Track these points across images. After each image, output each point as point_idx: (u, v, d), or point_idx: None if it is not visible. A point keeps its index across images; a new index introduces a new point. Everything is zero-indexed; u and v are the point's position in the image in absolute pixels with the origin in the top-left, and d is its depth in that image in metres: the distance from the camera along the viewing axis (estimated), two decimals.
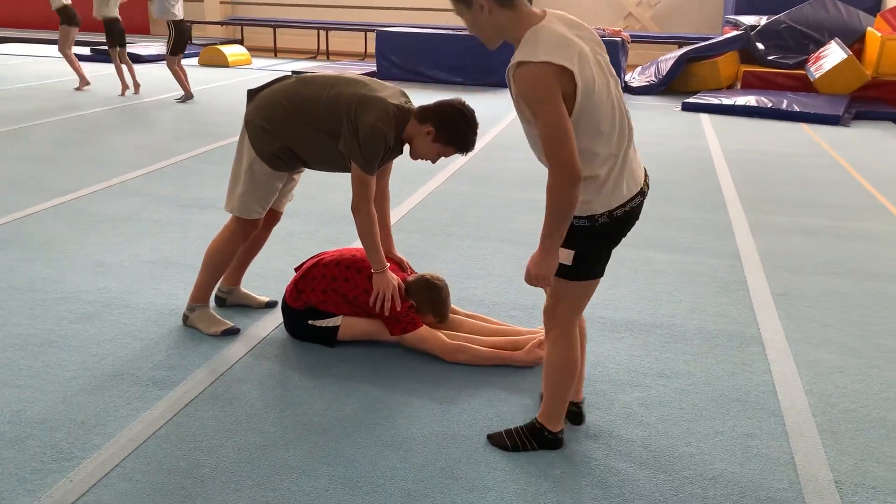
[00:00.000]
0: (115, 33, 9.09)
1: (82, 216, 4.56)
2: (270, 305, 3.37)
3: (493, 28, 2.04)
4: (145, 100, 9.08)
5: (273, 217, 3.25)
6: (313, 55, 15.15)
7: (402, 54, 11.32)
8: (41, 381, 2.72)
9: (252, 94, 2.99)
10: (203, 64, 12.75)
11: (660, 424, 2.56)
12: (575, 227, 2.10)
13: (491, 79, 11.05)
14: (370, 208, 2.84)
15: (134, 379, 2.75)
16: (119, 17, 9.17)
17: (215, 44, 13.55)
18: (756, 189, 5.69)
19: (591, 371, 2.91)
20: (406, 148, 2.93)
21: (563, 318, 2.28)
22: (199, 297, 3.15)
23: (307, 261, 3.11)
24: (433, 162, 2.93)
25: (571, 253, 2.15)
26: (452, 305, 3.14)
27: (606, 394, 2.76)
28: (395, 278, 2.93)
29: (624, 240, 4.35)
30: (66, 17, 9.17)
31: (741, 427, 2.56)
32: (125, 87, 9.28)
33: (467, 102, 2.85)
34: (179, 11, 8.59)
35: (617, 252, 4.14)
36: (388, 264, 2.96)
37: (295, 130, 2.85)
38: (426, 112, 2.82)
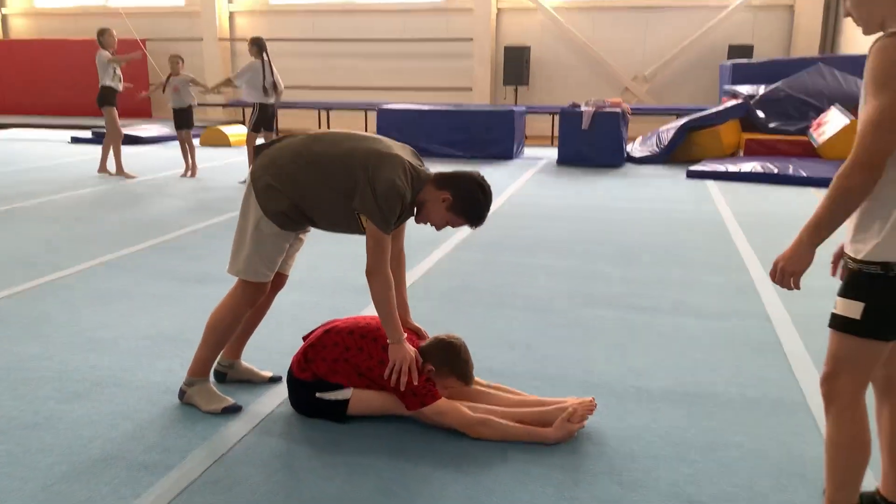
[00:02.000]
0: (185, 119, 9.15)
1: (75, 292, 4.34)
2: (275, 380, 3.12)
3: (877, 10, 1.81)
4: (147, 177, 8.99)
5: (279, 281, 3.03)
6: None
7: (402, 130, 11.34)
8: (20, 468, 2.44)
9: (259, 150, 2.82)
10: (205, 144, 12.77)
11: None
12: (865, 274, 1.84)
13: (490, 151, 11.04)
14: (387, 271, 2.63)
15: (124, 463, 2.47)
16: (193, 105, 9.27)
17: (217, 125, 13.63)
18: (774, 250, 5.43)
19: (631, 446, 2.64)
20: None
21: (846, 387, 1.91)
22: (198, 371, 2.89)
23: (317, 329, 2.88)
24: (438, 229, 2.78)
25: (861, 306, 1.84)
26: (476, 378, 2.88)
27: (650, 470, 2.47)
28: (412, 349, 2.70)
29: (650, 305, 4.19)
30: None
31: None
32: (188, 168, 9.14)
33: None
34: (271, 97, 8.50)
35: (646, 319, 3.97)
36: (405, 334, 2.73)
37: (305, 188, 2.67)
38: (445, 179, 2.71)
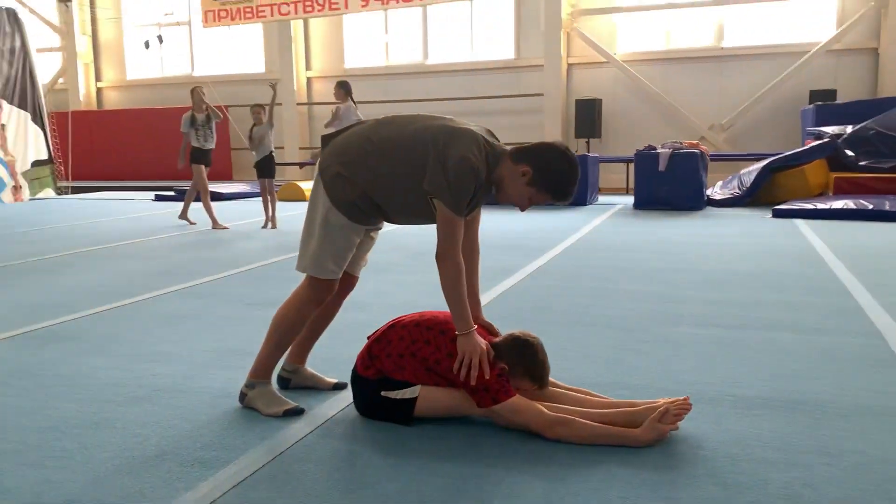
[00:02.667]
0: (267, 167, 9.10)
1: (146, 314, 4.32)
2: (339, 387, 2.94)
3: None
4: (233, 223, 9.12)
5: (348, 282, 2.88)
6: None
7: None
8: (73, 462, 2.32)
9: (327, 139, 2.72)
10: (282, 199, 13.00)
11: None
12: None
13: None
14: (459, 257, 2.45)
15: (178, 459, 2.33)
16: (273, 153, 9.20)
17: (294, 181, 13.95)
18: (878, 277, 5.06)
19: (731, 449, 2.33)
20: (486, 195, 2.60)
21: None
22: (260, 373, 2.75)
23: (382, 326, 2.71)
24: (523, 208, 2.57)
25: None
26: (551, 379, 2.64)
27: (756, 473, 2.17)
28: (482, 342, 2.49)
29: (740, 323, 3.87)
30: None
31: None
32: (268, 219, 9.01)
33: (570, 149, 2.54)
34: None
35: (737, 335, 3.65)
36: (475, 326, 2.53)
37: (374, 175, 2.54)
38: (523, 152, 2.52)
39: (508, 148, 2.56)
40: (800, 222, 8.35)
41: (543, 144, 2.51)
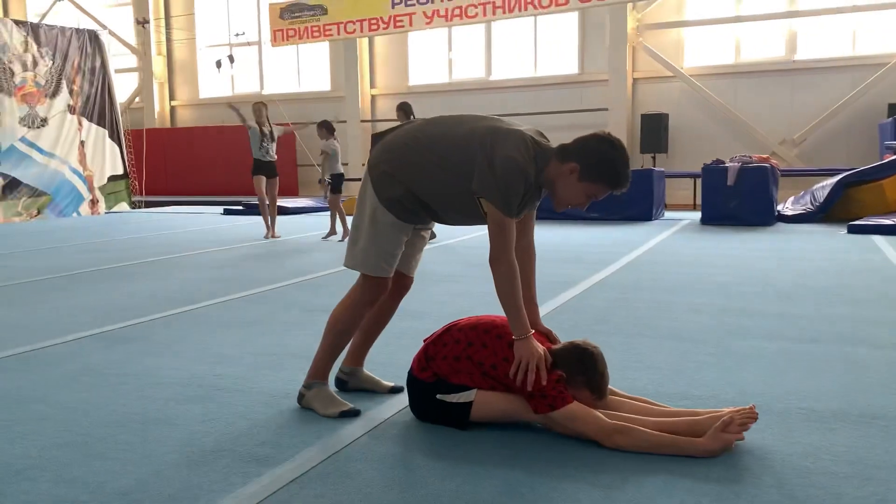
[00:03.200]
0: (339, 184, 9.30)
1: (210, 319, 4.42)
2: (396, 391, 2.93)
3: None
4: (291, 237, 9.28)
5: (402, 283, 2.88)
6: None
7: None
8: (135, 455, 2.38)
9: (377, 138, 2.74)
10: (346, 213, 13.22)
11: None
12: None
13: (628, 213, 10.63)
14: (512, 258, 2.42)
15: (235, 455, 2.35)
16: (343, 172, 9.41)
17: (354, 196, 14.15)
18: None
19: (801, 462, 2.23)
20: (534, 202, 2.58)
21: None
22: (317, 374, 2.77)
23: (438, 329, 2.69)
24: (583, 207, 2.52)
25: None
26: (610, 387, 2.57)
27: (829, 487, 2.06)
28: (540, 347, 2.44)
29: (813, 336, 3.72)
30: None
31: None
32: (332, 231, 9.30)
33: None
34: None
35: (809, 348, 3.50)
36: (532, 331, 2.48)
37: (421, 173, 2.54)
38: (567, 149, 2.47)
39: (555, 148, 2.52)
40: (878, 238, 7.99)
41: (583, 137, 2.46)
